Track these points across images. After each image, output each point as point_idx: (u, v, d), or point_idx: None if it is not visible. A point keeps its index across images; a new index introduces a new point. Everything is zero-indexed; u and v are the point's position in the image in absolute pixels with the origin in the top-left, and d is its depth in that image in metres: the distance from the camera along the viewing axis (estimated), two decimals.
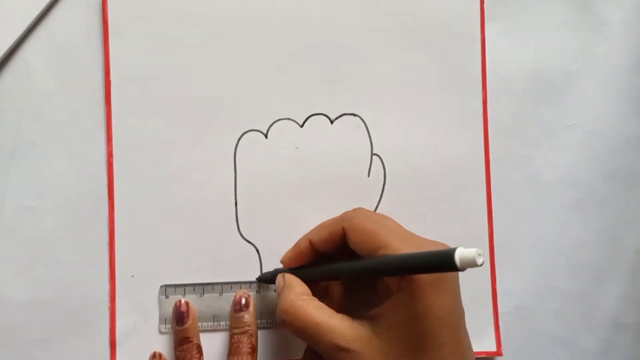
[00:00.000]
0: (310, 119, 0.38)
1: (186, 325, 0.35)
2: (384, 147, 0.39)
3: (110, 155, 0.37)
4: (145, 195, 0.37)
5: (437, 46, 0.39)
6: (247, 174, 0.37)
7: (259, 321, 0.36)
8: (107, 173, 0.36)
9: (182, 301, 0.36)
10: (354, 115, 0.39)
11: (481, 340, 0.39)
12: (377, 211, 0.38)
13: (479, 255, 0.24)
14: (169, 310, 0.36)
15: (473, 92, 0.40)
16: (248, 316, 0.35)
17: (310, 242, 0.34)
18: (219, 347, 0.37)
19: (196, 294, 0.36)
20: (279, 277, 0.34)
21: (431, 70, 0.39)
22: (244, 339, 0.35)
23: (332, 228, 0.34)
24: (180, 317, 0.35)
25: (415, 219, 0.38)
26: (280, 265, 0.36)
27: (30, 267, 0.36)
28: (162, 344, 0.36)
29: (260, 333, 0.36)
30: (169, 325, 0.36)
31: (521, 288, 0.40)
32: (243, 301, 0.36)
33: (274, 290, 0.37)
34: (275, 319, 0.33)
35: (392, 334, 0.29)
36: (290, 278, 0.34)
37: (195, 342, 0.35)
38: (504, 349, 0.39)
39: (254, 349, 0.35)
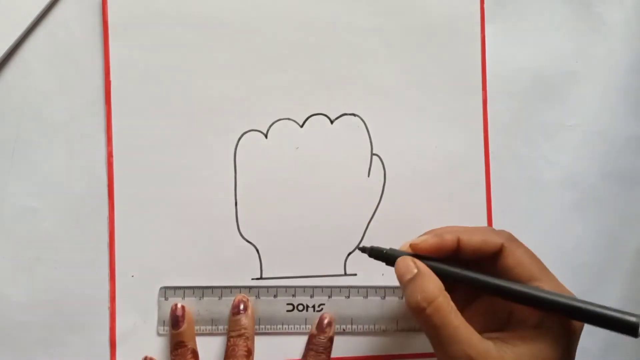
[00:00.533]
0: (310, 119, 0.38)
1: (181, 330, 0.35)
2: (384, 147, 0.39)
3: (110, 155, 0.37)
4: (145, 195, 0.37)
5: (437, 46, 0.39)
6: (247, 174, 0.37)
7: (257, 326, 0.37)
8: (107, 173, 0.37)
9: (179, 305, 0.36)
10: (354, 115, 0.39)
11: None
12: (377, 211, 0.38)
13: None
14: (168, 312, 0.36)
15: (473, 92, 0.40)
16: (245, 319, 0.36)
17: (460, 241, 0.32)
18: (217, 351, 0.37)
19: (195, 296, 0.36)
20: (409, 260, 0.31)
21: (431, 70, 0.39)
22: (240, 342, 0.35)
23: (489, 238, 0.32)
24: (175, 320, 0.35)
25: (416, 219, 0.38)
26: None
27: (30, 267, 0.36)
28: (162, 344, 0.36)
29: (257, 338, 0.36)
30: (167, 328, 0.36)
31: None
32: (242, 305, 0.36)
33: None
34: (408, 300, 0.30)
35: None
36: (425, 268, 0.31)
37: (190, 346, 0.35)
38: None
39: (250, 353, 0.35)
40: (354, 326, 0.37)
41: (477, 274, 0.31)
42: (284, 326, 0.37)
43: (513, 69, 0.40)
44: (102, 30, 0.37)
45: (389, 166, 0.39)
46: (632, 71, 0.41)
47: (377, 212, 0.38)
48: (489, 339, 0.30)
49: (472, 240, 0.32)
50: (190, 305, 0.36)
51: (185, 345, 0.35)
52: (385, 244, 0.37)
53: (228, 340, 0.35)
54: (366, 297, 0.38)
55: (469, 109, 0.40)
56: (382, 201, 0.38)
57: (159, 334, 0.36)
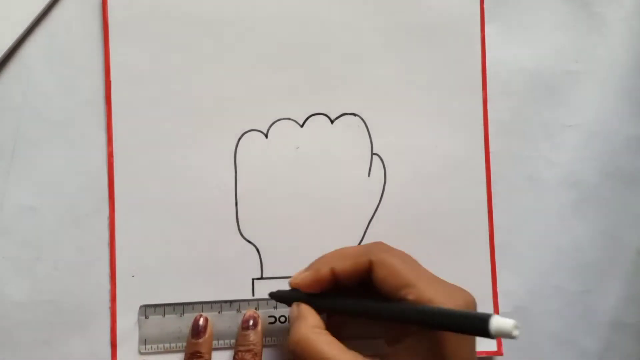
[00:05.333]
0: (310, 119, 0.38)
1: (201, 340, 0.35)
2: (384, 147, 0.39)
3: (110, 155, 0.37)
4: (145, 195, 0.37)
5: (437, 46, 0.39)
6: (247, 174, 0.37)
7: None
8: (107, 173, 0.36)
9: (203, 315, 0.36)
10: (354, 115, 0.39)
11: (482, 340, 0.39)
12: (377, 211, 0.38)
13: (516, 327, 0.24)
14: (149, 331, 0.36)
15: (473, 92, 0.40)
16: (254, 336, 0.36)
17: (333, 271, 0.33)
18: None
19: (176, 313, 0.36)
20: (294, 305, 0.34)
21: (431, 70, 0.39)
22: (248, 357, 0.35)
23: (357, 260, 0.33)
24: (197, 330, 0.36)
25: (415, 219, 0.39)
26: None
27: (30, 267, 0.36)
28: None
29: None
30: (148, 346, 0.36)
31: (521, 288, 0.40)
32: (251, 321, 0.36)
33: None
34: (285, 349, 0.33)
35: None
36: (305, 309, 0.33)
37: (206, 357, 0.35)
38: (504, 349, 0.39)
39: None
40: None
41: (349, 300, 0.33)
42: (267, 338, 0.37)
43: (513, 69, 0.40)
44: (102, 30, 0.37)
45: (389, 166, 0.39)
46: (632, 71, 0.41)
47: (377, 212, 0.38)
48: (385, 356, 0.31)
49: (345, 266, 0.33)
50: (172, 322, 0.36)
51: (202, 356, 0.35)
52: (385, 243, 0.37)
53: (236, 354, 0.35)
54: None
55: (469, 109, 0.40)
56: (382, 201, 0.38)
57: (140, 353, 0.36)
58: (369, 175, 0.39)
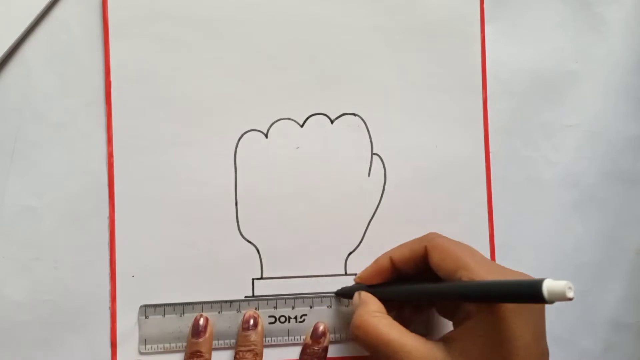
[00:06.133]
0: (310, 119, 0.38)
1: (201, 339, 0.35)
2: (384, 147, 0.39)
3: (110, 155, 0.37)
4: (145, 195, 0.37)
5: (437, 46, 0.39)
6: (247, 174, 0.37)
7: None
8: (108, 173, 0.36)
9: (203, 315, 0.36)
10: (354, 115, 0.39)
11: None
12: (378, 211, 0.38)
13: (569, 288, 0.23)
14: (149, 331, 0.36)
15: (473, 92, 0.40)
16: (255, 336, 0.36)
17: (391, 259, 0.35)
18: None
19: (176, 313, 0.36)
20: (356, 294, 0.35)
21: (431, 70, 0.39)
22: (249, 357, 0.35)
23: (413, 246, 0.34)
24: (197, 330, 0.36)
25: (416, 219, 0.39)
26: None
27: (30, 267, 0.36)
28: None
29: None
30: (149, 346, 0.36)
31: None
32: (252, 321, 0.36)
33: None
34: (349, 334, 0.35)
35: (467, 358, 0.29)
36: (366, 295, 0.34)
37: (206, 357, 0.35)
38: None
39: None
40: (337, 335, 0.37)
41: (406, 285, 0.34)
42: (267, 338, 0.37)
43: (513, 69, 0.40)
44: (102, 30, 0.37)
45: (389, 166, 0.39)
46: (632, 71, 0.41)
47: (377, 212, 0.38)
48: (447, 339, 0.30)
49: (402, 254, 0.35)
50: (172, 322, 0.36)
51: (202, 356, 0.35)
52: (385, 243, 0.37)
53: (237, 354, 0.36)
54: (348, 305, 0.38)
55: (469, 109, 0.40)
56: (382, 201, 0.38)
57: (140, 353, 0.36)
58: (369, 175, 0.39)
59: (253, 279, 0.37)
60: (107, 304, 0.36)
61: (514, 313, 0.28)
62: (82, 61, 0.37)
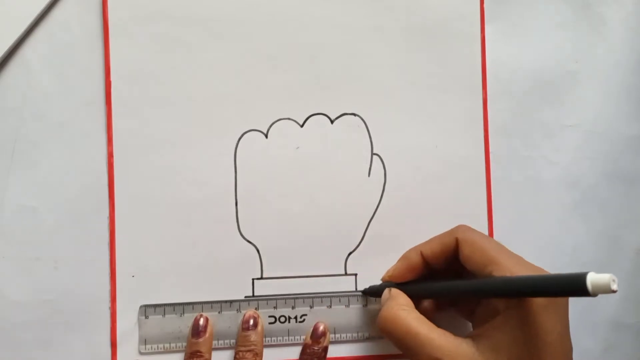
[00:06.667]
0: (310, 119, 0.38)
1: (201, 340, 0.35)
2: (384, 147, 0.39)
3: (110, 155, 0.37)
4: (145, 195, 0.37)
5: (437, 46, 0.39)
6: (247, 174, 0.37)
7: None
8: (107, 173, 0.36)
9: (203, 315, 0.36)
10: (354, 115, 0.39)
11: None
12: (377, 211, 0.38)
13: (613, 281, 0.24)
14: (149, 331, 0.36)
15: (473, 92, 0.40)
16: (255, 336, 0.36)
17: (422, 254, 0.35)
18: None
19: (176, 313, 0.36)
20: (386, 291, 0.35)
21: (431, 70, 0.39)
22: (249, 357, 0.35)
23: (443, 239, 0.34)
24: (197, 330, 0.36)
25: (415, 219, 0.39)
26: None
27: (30, 267, 0.36)
28: None
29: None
30: (149, 346, 0.36)
31: None
32: (252, 321, 0.36)
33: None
34: (376, 328, 0.34)
35: (497, 355, 0.29)
36: (395, 291, 0.34)
37: (206, 357, 0.35)
38: None
39: None
40: (337, 335, 0.37)
41: (437, 282, 0.34)
42: (267, 338, 0.37)
43: (513, 69, 0.40)
44: (102, 30, 0.37)
45: (389, 166, 0.39)
46: (632, 71, 0.41)
47: (377, 212, 0.38)
48: (475, 335, 0.30)
49: (432, 248, 0.35)
50: (172, 322, 0.36)
51: (202, 356, 0.35)
52: (385, 243, 0.37)
53: (237, 354, 0.36)
54: (348, 305, 0.38)
55: (469, 109, 0.40)
56: (382, 201, 0.38)
57: (140, 353, 0.36)
58: (369, 175, 0.39)
59: (253, 279, 0.37)
60: (107, 304, 0.36)
61: (544, 308, 0.28)
62: (82, 61, 0.37)
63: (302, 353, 0.37)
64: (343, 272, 0.38)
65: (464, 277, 0.34)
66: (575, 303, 0.40)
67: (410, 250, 0.36)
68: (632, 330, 0.41)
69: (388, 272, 0.36)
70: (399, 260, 0.36)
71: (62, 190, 0.36)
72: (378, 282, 0.38)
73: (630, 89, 0.41)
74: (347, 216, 0.38)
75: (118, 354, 0.36)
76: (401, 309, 0.32)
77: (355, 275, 0.38)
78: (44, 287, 0.36)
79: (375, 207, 0.38)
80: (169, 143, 0.37)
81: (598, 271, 0.40)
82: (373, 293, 0.37)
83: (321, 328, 0.37)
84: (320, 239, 0.38)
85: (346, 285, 0.38)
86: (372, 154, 0.39)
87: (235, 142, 0.38)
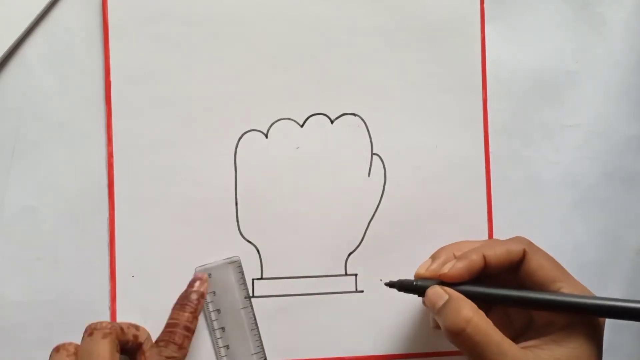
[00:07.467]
0: (310, 119, 0.38)
1: (194, 289, 0.36)
2: (384, 147, 0.39)
3: (110, 155, 0.37)
4: (145, 195, 0.37)
5: (437, 46, 0.39)
6: (247, 174, 0.37)
7: None
8: (107, 173, 0.36)
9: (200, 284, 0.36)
10: (354, 115, 0.39)
11: None
12: (377, 211, 0.38)
13: None
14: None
15: (473, 92, 0.40)
16: (195, 295, 0.36)
17: (485, 257, 0.33)
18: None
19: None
20: (438, 288, 0.32)
21: (431, 70, 0.39)
22: (185, 315, 0.35)
23: (511, 247, 0.33)
24: (192, 282, 0.36)
25: (415, 219, 0.39)
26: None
27: (30, 267, 0.36)
28: None
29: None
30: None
31: None
32: (197, 283, 0.36)
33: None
34: (445, 324, 0.31)
35: None
36: (458, 294, 0.32)
37: (193, 308, 0.35)
38: None
39: (189, 330, 0.35)
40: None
41: (504, 290, 0.32)
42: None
43: (513, 69, 0.40)
44: (102, 30, 0.37)
45: (389, 166, 0.39)
46: (632, 71, 0.41)
47: (377, 212, 0.38)
48: (534, 346, 0.31)
49: (497, 254, 0.33)
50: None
51: (190, 305, 0.35)
52: (385, 243, 0.37)
53: (171, 312, 0.35)
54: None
55: (469, 109, 0.40)
56: (382, 201, 0.38)
57: None
58: (369, 175, 0.39)
59: (253, 279, 0.37)
60: (107, 304, 0.36)
61: (601, 328, 0.31)
62: (82, 61, 0.37)
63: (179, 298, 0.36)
64: (343, 273, 0.38)
65: (507, 286, 0.32)
66: None
67: (470, 251, 0.33)
68: (632, 330, 0.41)
69: (447, 271, 0.33)
70: (458, 260, 0.33)
71: (62, 191, 0.36)
72: (378, 282, 0.38)
73: (630, 89, 0.41)
74: (347, 216, 0.38)
75: None
76: (478, 313, 0.31)
77: (356, 275, 0.38)
78: (44, 287, 0.36)
79: (375, 207, 0.38)
80: (169, 143, 0.37)
81: (598, 272, 0.40)
82: (407, 289, 0.34)
83: (198, 275, 0.36)
84: (320, 239, 0.38)
85: (346, 285, 0.38)
86: (372, 154, 0.39)
87: (235, 142, 0.38)
